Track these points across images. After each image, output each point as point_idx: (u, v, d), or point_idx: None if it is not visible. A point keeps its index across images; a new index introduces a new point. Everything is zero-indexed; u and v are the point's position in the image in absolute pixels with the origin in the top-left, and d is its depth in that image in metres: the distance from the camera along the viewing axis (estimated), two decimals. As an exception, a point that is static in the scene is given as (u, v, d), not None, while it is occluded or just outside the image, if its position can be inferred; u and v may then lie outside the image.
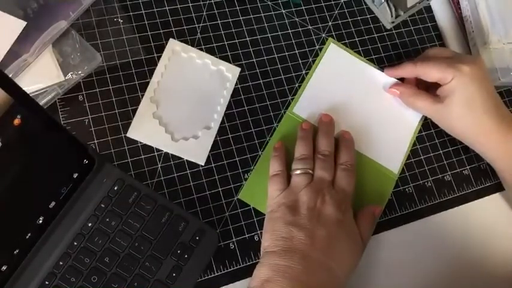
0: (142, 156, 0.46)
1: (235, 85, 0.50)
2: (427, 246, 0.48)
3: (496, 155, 0.47)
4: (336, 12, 0.56)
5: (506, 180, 0.48)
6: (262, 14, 0.54)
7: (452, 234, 0.49)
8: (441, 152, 0.52)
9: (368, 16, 0.56)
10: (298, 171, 0.44)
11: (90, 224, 0.41)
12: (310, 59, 0.53)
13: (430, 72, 0.47)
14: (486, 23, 0.53)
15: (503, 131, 0.45)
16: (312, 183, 0.43)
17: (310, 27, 0.54)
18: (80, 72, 0.45)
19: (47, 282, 0.39)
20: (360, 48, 0.54)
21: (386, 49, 0.55)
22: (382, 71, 0.52)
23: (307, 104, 0.50)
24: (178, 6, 0.52)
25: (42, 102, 0.43)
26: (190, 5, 0.52)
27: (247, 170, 0.47)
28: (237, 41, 0.52)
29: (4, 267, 0.37)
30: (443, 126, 0.49)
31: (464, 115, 0.46)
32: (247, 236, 0.45)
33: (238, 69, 0.50)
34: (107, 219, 0.41)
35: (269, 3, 0.54)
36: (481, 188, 0.52)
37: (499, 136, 0.46)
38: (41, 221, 0.39)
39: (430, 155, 0.52)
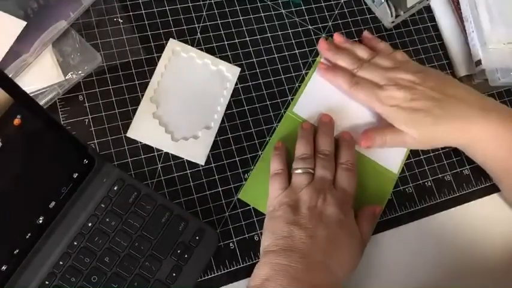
0: (142, 156, 0.46)
1: (235, 85, 0.50)
2: (427, 246, 0.48)
3: (471, 143, 0.47)
4: (336, 12, 0.56)
5: (498, 174, 0.48)
6: (262, 14, 0.54)
7: (452, 234, 0.49)
8: (441, 152, 0.52)
9: (368, 16, 0.56)
10: (299, 171, 0.44)
11: (90, 224, 0.41)
12: (310, 59, 0.53)
13: (358, 99, 0.49)
14: (486, 23, 0.53)
15: (458, 129, 0.45)
16: (313, 182, 0.43)
17: (310, 27, 0.54)
18: (80, 72, 0.45)
19: (47, 282, 0.39)
20: (360, 48, 0.54)
21: (386, 49, 0.55)
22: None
23: (307, 103, 0.50)
24: (178, 6, 0.52)
25: (42, 102, 0.43)
26: (190, 5, 0.52)
27: (247, 170, 0.47)
28: (237, 41, 0.52)
29: (4, 267, 0.37)
30: (423, 147, 0.50)
31: (420, 133, 0.45)
32: (247, 236, 0.45)
33: (238, 69, 0.50)
34: (107, 219, 0.41)
35: (269, 3, 0.54)
36: (481, 188, 0.52)
37: (461, 132, 0.45)
38: (41, 221, 0.39)
39: (430, 155, 0.52)
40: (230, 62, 0.50)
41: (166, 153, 0.46)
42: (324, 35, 0.54)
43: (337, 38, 0.52)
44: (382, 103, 0.46)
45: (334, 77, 0.49)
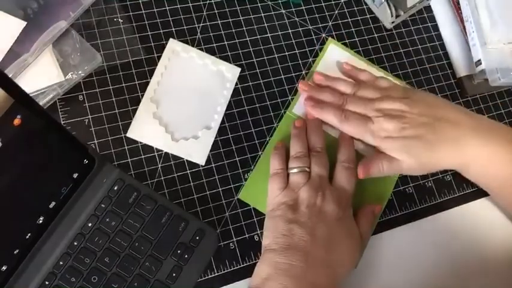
0: (143, 156, 0.46)
1: (235, 85, 0.50)
2: (427, 246, 0.48)
3: (464, 164, 0.46)
4: (336, 12, 0.56)
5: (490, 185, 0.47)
6: (262, 14, 0.54)
7: (452, 234, 0.49)
8: (423, 174, 0.52)
9: (368, 16, 0.56)
10: (295, 170, 0.44)
11: (90, 224, 0.41)
12: (310, 59, 0.53)
13: (349, 133, 0.47)
14: (486, 23, 0.53)
15: (452, 151, 0.44)
16: (310, 180, 0.43)
17: (310, 27, 0.54)
18: (80, 72, 0.45)
19: (47, 282, 0.39)
20: (360, 48, 0.54)
21: (386, 49, 0.55)
22: (382, 71, 0.52)
23: (307, 104, 0.50)
24: (178, 6, 0.52)
25: (42, 102, 0.43)
26: (190, 5, 0.52)
27: (247, 170, 0.47)
28: (237, 41, 0.52)
29: (4, 267, 0.37)
30: (420, 173, 0.49)
31: (415, 161, 0.44)
32: (247, 236, 0.45)
33: (238, 69, 0.50)
34: (107, 219, 0.41)
35: (269, 3, 0.54)
36: (481, 188, 0.51)
37: (456, 155, 0.44)
38: (41, 221, 0.39)
39: (430, 155, 0.52)
40: (230, 62, 0.50)
41: (166, 153, 0.46)
42: (324, 35, 0.54)
43: (317, 76, 0.50)
44: (374, 136, 0.45)
45: (322, 113, 0.47)
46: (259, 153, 0.48)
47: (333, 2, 0.56)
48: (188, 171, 0.46)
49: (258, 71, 0.51)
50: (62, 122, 0.45)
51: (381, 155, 0.46)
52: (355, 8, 0.56)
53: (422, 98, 0.46)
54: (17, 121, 0.32)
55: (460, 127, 0.44)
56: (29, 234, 0.38)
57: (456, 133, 0.44)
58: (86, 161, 0.41)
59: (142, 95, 0.47)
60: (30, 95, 0.33)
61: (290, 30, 0.54)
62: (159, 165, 0.46)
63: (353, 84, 0.49)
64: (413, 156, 0.44)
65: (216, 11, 0.52)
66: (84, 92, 0.46)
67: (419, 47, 0.56)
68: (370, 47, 0.55)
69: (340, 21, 0.55)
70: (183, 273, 0.41)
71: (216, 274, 0.43)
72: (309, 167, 0.44)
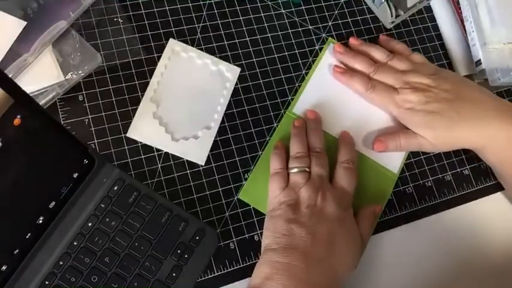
0: (142, 156, 0.46)
1: (235, 85, 0.50)
2: (427, 246, 0.48)
3: (482, 145, 0.46)
4: (336, 12, 0.56)
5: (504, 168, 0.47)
6: (262, 14, 0.54)
7: (452, 234, 0.49)
8: (441, 151, 0.52)
9: (368, 16, 0.56)
10: (295, 170, 0.44)
11: (90, 224, 0.41)
12: (310, 59, 0.53)
13: (374, 102, 0.49)
14: (486, 23, 0.53)
15: (472, 131, 0.45)
16: (310, 180, 0.43)
17: (310, 27, 0.54)
18: (80, 72, 0.45)
19: (47, 282, 0.39)
20: (360, 48, 0.54)
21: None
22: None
23: (307, 103, 0.50)
24: (178, 6, 0.52)
25: (42, 102, 0.43)
26: (190, 5, 0.52)
27: (247, 170, 0.47)
28: (237, 41, 0.52)
29: (4, 267, 0.37)
30: (439, 149, 0.50)
31: (435, 136, 0.45)
32: (247, 236, 0.45)
33: (238, 69, 0.50)
34: (107, 219, 0.41)
35: (269, 3, 0.54)
36: (481, 188, 0.52)
37: (475, 135, 0.45)
38: (41, 221, 0.39)
39: (430, 155, 0.52)
40: (230, 62, 0.50)
41: (166, 153, 0.46)
42: (324, 35, 0.54)
43: (353, 41, 0.52)
44: (398, 106, 0.46)
45: (350, 81, 0.49)
46: (259, 153, 0.48)
47: (332, 2, 0.56)
48: (188, 171, 0.46)
49: (258, 71, 0.51)
50: (62, 122, 0.45)
51: (399, 130, 0.47)
52: (355, 8, 0.56)
53: (451, 77, 0.48)
54: (17, 121, 0.32)
55: (483, 108, 0.45)
56: (29, 234, 0.38)
57: (478, 113, 0.45)
58: (85, 161, 0.41)
59: (142, 95, 0.47)
60: (30, 95, 0.33)
61: (290, 30, 0.54)
62: (159, 165, 0.46)
63: (387, 53, 0.50)
64: (433, 131, 0.45)
65: (216, 11, 0.52)
66: (84, 92, 0.46)
67: (419, 47, 0.56)
68: (370, 47, 0.55)
69: (340, 21, 0.55)
70: (183, 273, 0.41)
71: (216, 274, 0.43)
72: (309, 167, 0.44)
